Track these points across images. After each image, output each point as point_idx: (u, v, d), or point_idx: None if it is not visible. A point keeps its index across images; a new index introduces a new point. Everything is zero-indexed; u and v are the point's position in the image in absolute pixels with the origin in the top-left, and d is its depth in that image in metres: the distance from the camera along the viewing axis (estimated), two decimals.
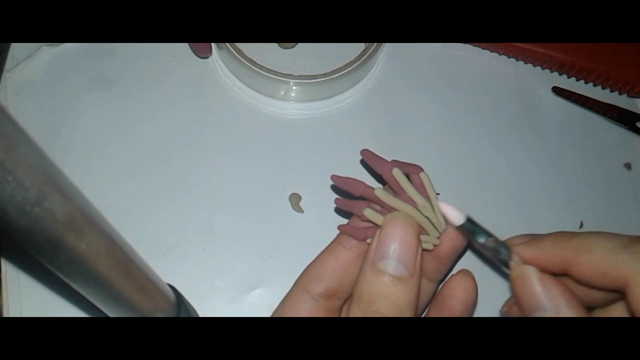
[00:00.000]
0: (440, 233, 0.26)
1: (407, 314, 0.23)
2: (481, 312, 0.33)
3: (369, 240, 0.25)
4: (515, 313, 0.27)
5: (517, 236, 0.26)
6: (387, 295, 0.23)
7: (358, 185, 0.26)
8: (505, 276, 0.25)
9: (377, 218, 0.25)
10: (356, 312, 0.23)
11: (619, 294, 0.22)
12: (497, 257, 0.24)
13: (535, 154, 0.39)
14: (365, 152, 0.26)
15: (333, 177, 0.26)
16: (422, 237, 0.25)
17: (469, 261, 0.35)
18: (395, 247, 0.23)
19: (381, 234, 0.24)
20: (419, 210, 0.25)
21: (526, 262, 0.24)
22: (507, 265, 0.24)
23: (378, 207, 0.25)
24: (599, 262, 0.22)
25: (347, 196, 0.27)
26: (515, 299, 0.24)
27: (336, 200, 0.26)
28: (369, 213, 0.25)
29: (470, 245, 0.29)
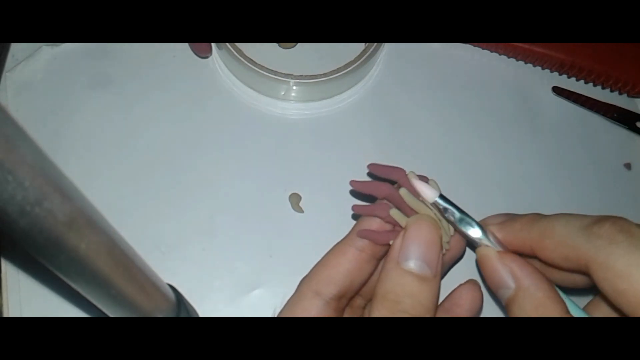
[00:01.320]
0: (449, 238, 0.26)
1: (431, 313, 0.23)
2: (484, 313, 0.34)
3: (391, 242, 0.25)
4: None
5: (494, 216, 0.27)
6: (413, 294, 0.23)
7: (383, 187, 0.26)
8: None
9: (402, 219, 0.25)
10: (381, 311, 0.23)
11: (585, 275, 0.23)
12: (466, 237, 0.25)
13: (535, 154, 0.39)
14: (372, 166, 0.26)
15: (353, 182, 0.26)
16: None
17: (469, 261, 0.35)
18: (420, 247, 0.24)
19: (407, 235, 0.24)
20: (435, 214, 0.25)
21: (500, 242, 0.25)
22: (474, 245, 0.25)
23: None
24: (560, 246, 0.23)
25: (364, 200, 0.27)
26: (483, 279, 0.25)
27: (354, 207, 0.26)
28: (395, 214, 0.25)
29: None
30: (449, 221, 0.25)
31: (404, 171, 0.26)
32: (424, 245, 0.24)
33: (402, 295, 0.23)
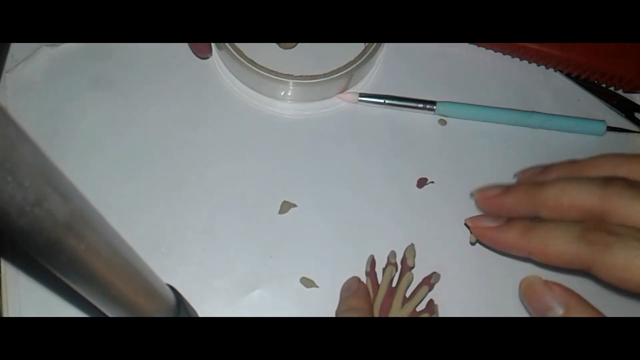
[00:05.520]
0: None
1: None
2: (482, 312, 0.34)
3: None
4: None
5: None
6: None
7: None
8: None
9: None
10: None
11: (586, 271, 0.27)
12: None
13: (534, 154, 0.39)
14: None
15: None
16: None
17: (470, 259, 0.35)
18: None
19: None
20: None
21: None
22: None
23: None
24: (563, 254, 0.27)
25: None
26: (528, 307, 0.28)
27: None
28: None
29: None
30: None
31: None
32: None
33: None
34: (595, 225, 0.27)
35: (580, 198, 0.28)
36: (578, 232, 0.27)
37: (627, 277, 0.25)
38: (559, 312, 0.26)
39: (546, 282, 0.27)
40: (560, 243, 0.27)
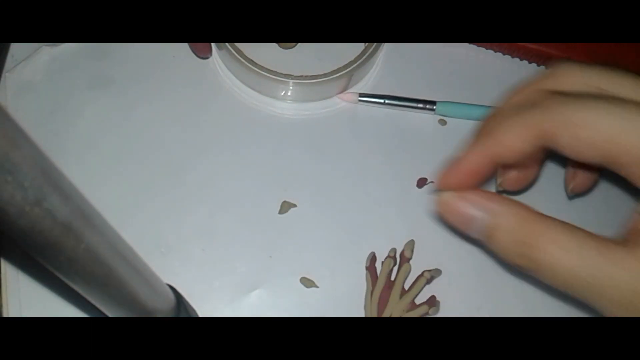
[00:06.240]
0: None
1: None
2: (483, 311, 0.34)
3: None
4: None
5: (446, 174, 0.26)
6: None
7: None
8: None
9: None
10: None
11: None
12: None
13: None
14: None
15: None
16: None
17: (470, 259, 0.35)
18: None
19: None
20: None
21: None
22: None
23: None
24: (522, 130, 0.23)
25: None
26: (452, 226, 0.24)
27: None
28: None
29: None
30: None
31: None
32: None
33: None
34: (546, 94, 0.23)
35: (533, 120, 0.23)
36: (530, 107, 0.23)
37: (591, 136, 0.21)
38: (485, 220, 0.23)
39: (461, 193, 0.24)
40: (516, 121, 0.23)
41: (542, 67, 0.41)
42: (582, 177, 0.30)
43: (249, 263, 0.33)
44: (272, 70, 0.36)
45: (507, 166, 0.26)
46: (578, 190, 0.31)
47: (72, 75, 0.37)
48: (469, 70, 0.41)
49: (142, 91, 0.37)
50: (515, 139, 0.23)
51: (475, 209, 0.23)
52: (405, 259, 0.33)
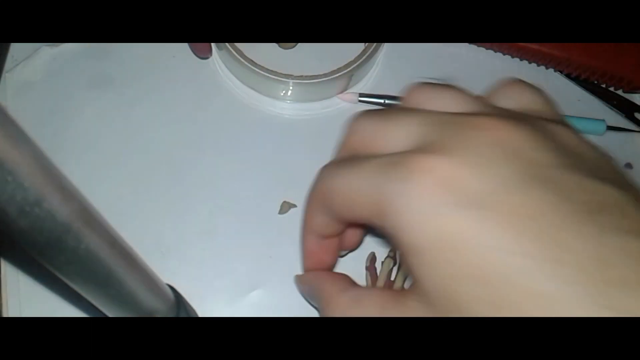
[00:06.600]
0: None
1: None
2: None
3: None
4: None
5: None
6: None
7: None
8: None
9: None
10: None
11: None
12: None
13: None
14: None
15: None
16: None
17: None
18: None
19: None
20: None
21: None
22: None
23: None
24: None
25: None
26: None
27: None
28: None
29: None
30: None
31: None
32: None
33: None
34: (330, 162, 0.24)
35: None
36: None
37: (341, 202, 0.22)
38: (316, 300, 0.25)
39: (300, 276, 0.27)
40: (309, 195, 0.24)
41: (542, 67, 0.41)
42: (350, 235, 0.28)
43: (249, 263, 0.33)
44: (272, 70, 0.36)
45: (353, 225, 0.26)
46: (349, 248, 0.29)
47: (72, 75, 0.37)
48: (469, 70, 0.41)
49: (142, 91, 0.37)
50: (314, 218, 0.24)
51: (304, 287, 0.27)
52: None
